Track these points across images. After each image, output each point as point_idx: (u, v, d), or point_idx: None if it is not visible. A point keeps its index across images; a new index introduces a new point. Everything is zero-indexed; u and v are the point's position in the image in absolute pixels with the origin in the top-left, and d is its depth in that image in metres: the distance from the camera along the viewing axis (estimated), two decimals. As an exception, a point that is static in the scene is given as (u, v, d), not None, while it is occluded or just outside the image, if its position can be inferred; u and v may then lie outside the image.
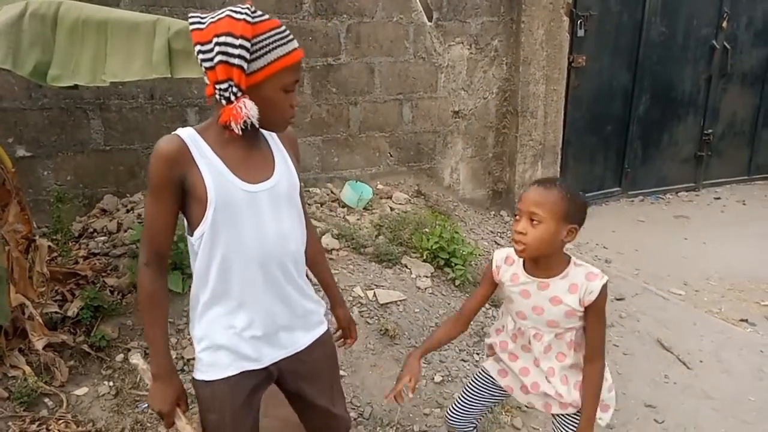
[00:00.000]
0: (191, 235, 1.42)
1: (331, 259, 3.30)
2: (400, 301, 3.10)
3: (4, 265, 2.37)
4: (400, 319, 3.00)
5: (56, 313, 2.75)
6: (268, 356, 1.52)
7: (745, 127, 6.36)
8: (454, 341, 2.96)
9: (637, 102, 5.67)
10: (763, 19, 6.02)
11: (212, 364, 1.48)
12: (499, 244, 4.34)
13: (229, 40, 1.28)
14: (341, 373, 2.65)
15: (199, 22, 1.33)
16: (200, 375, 1.50)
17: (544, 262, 1.68)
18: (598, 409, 1.77)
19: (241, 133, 1.33)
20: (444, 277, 3.44)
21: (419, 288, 3.27)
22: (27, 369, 2.49)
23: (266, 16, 1.36)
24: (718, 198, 6.02)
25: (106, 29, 1.76)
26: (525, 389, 1.86)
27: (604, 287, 1.65)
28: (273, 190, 1.45)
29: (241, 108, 1.30)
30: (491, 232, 4.56)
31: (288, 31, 1.39)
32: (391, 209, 4.19)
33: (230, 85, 1.30)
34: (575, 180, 5.35)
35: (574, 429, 1.79)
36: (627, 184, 5.93)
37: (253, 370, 1.50)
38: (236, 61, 1.28)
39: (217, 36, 1.29)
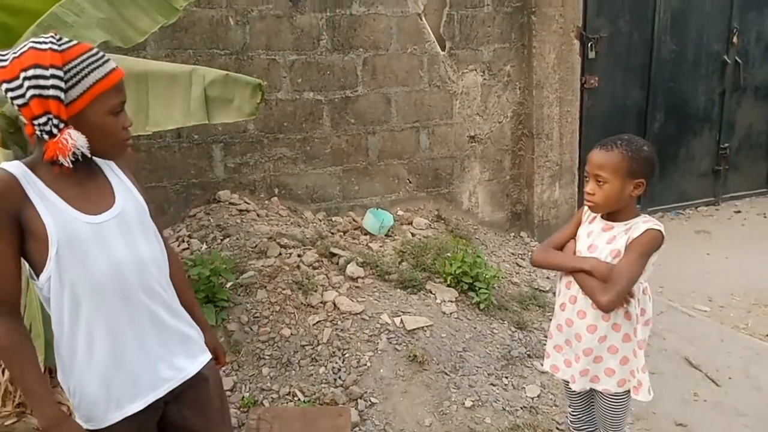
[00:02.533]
0: (37, 280, 1.32)
1: (357, 287, 3.37)
2: (426, 326, 3.15)
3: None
4: (427, 344, 3.04)
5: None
6: (150, 394, 1.44)
7: (762, 140, 6.37)
8: (481, 366, 3.01)
9: (652, 119, 5.72)
10: (773, 32, 6.07)
11: (90, 418, 1.39)
12: (520, 266, 4.37)
13: (38, 72, 1.22)
14: (373, 400, 2.70)
15: (2, 59, 1.26)
16: (82, 423, 1.40)
17: (615, 213, 1.84)
18: (632, 389, 1.85)
19: (71, 166, 1.27)
20: (468, 302, 3.49)
21: (444, 313, 3.32)
22: (71, 403, 2.57)
23: (74, 42, 1.31)
24: (738, 211, 6.00)
25: (147, 81, 1.88)
26: (569, 362, 1.93)
27: (651, 230, 1.75)
28: (120, 217, 1.38)
29: (66, 140, 1.24)
30: (512, 254, 4.60)
31: (102, 53, 1.33)
32: (413, 235, 4.26)
33: (49, 119, 1.24)
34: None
35: (615, 407, 1.89)
36: (646, 201, 5.93)
37: (138, 412, 1.42)
38: (51, 92, 1.23)
39: (24, 70, 1.23)
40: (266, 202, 4.15)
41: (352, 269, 3.47)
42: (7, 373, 2.59)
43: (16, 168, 1.29)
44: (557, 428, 2.68)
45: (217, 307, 3.00)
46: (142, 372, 1.42)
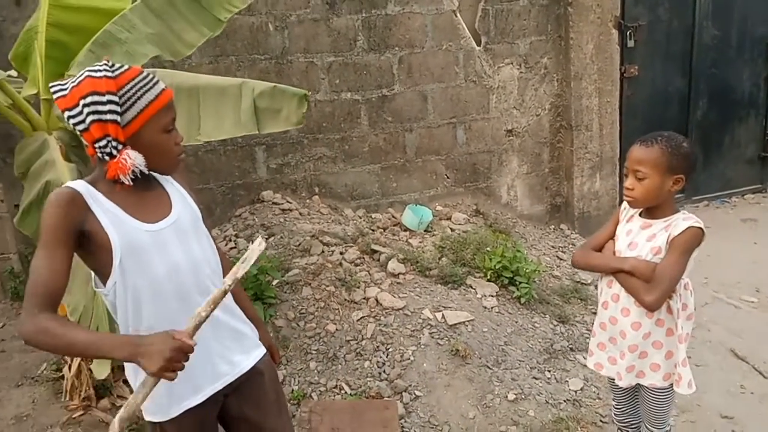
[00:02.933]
0: (103, 287, 1.42)
1: (398, 283, 3.45)
2: (468, 321, 3.20)
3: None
4: (469, 339, 3.10)
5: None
6: (208, 388, 1.53)
7: (811, 124, 6.15)
8: (524, 360, 3.05)
9: (695, 106, 5.60)
10: (822, 12, 5.85)
11: (155, 412, 1.50)
12: (561, 259, 4.38)
13: (96, 98, 1.32)
14: (417, 393, 2.78)
15: (62, 89, 1.36)
16: (146, 416, 1.52)
17: (654, 210, 1.87)
18: (675, 382, 1.87)
19: (131, 183, 1.38)
20: (509, 296, 3.53)
21: (485, 308, 3.37)
22: (131, 398, 2.73)
23: (126, 67, 1.39)
24: (787, 198, 5.84)
25: (198, 94, 1.99)
26: (614, 360, 1.97)
27: (692, 228, 1.78)
28: (176, 224, 1.47)
29: (126, 160, 1.35)
30: (552, 247, 4.60)
31: (151, 75, 1.41)
32: (452, 230, 4.31)
33: (108, 141, 1.34)
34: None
35: (660, 401, 1.93)
36: (690, 190, 5.82)
37: (198, 405, 1.51)
38: (108, 116, 1.32)
39: (83, 98, 1.32)
40: (307, 200, 4.26)
41: (393, 265, 3.55)
42: (73, 368, 2.78)
43: (80, 185, 1.39)
44: (601, 421, 2.71)
45: (265, 304, 3.12)
46: (200, 367, 1.50)
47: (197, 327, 1.33)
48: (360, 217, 4.33)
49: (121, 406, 2.79)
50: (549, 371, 3.01)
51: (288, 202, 4.15)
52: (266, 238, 3.70)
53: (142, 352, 1.25)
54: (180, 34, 2.66)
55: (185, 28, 2.67)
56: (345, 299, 3.28)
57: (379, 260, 3.65)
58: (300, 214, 4.05)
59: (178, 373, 1.36)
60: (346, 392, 2.80)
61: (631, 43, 5.10)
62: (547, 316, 3.46)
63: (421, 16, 4.37)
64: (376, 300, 3.28)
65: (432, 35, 4.43)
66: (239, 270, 1.38)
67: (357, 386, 2.83)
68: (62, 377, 2.86)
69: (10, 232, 3.65)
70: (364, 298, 3.29)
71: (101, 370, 2.26)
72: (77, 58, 2.53)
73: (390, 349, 3.00)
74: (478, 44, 4.58)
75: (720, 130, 5.80)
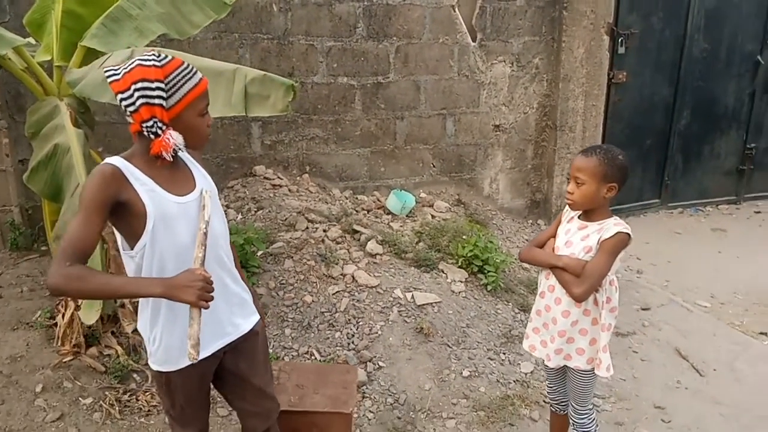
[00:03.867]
0: (130, 249, 1.61)
1: (375, 263, 3.69)
2: (435, 303, 3.45)
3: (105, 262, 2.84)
4: (434, 319, 3.35)
5: (141, 302, 3.23)
6: (214, 344, 1.75)
7: (791, 142, 6.38)
8: (482, 342, 3.31)
9: (679, 116, 5.81)
10: (811, 35, 6.04)
11: (165, 361, 1.71)
12: (533, 252, 4.61)
13: (146, 84, 1.51)
14: (380, 364, 3.04)
15: (115, 74, 1.54)
16: (155, 366, 1.74)
17: (591, 213, 2.10)
18: (596, 366, 2.12)
19: (172, 159, 1.58)
20: (477, 283, 3.77)
21: (453, 292, 3.62)
22: (119, 349, 2.97)
23: (170, 58, 1.59)
24: (759, 212, 6.09)
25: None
26: (545, 343, 2.22)
27: (620, 233, 2.02)
28: (199, 199, 1.67)
29: (169, 139, 1.54)
30: (527, 240, 4.84)
31: (192, 66, 1.61)
32: (433, 217, 4.54)
33: (155, 122, 1.53)
34: (612, 191, 5.55)
35: (583, 382, 2.18)
36: (667, 196, 6.07)
37: (202, 360, 1.66)
38: (156, 101, 1.52)
39: (134, 83, 1.51)
40: (298, 178, 4.48)
41: (371, 246, 3.78)
42: (66, 316, 3.00)
43: (119, 162, 1.58)
44: (544, 401, 2.97)
45: (249, 273, 3.36)
46: (210, 326, 1.69)
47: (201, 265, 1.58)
48: (346, 198, 4.55)
49: (108, 354, 3.02)
50: (504, 354, 3.27)
51: (279, 178, 4.36)
52: (255, 211, 3.92)
53: (175, 287, 1.49)
54: (187, 15, 2.85)
55: (193, 9, 2.86)
56: (323, 274, 3.52)
57: (359, 240, 3.88)
58: (289, 190, 4.26)
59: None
60: (316, 358, 3.05)
61: (622, 50, 5.29)
62: (510, 303, 3.71)
63: (421, 8, 4.55)
64: (353, 277, 3.52)
65: (430, 28, 4.61)
66: (205, 214, 1.63)
67: (326, 354, 3.08)
68: (55, 324, 3.08)
69: (13, 186, 3.84)
70: (342, 274, 3.53)
71: (89, 316, 2.47)
72: (90, 30, 2.73)
73: (360, 323, 3.25)
74: (474, 40, 4.76)
75: (701, 140, 6.03)
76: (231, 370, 1.86)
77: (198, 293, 1.50)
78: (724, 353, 3.52)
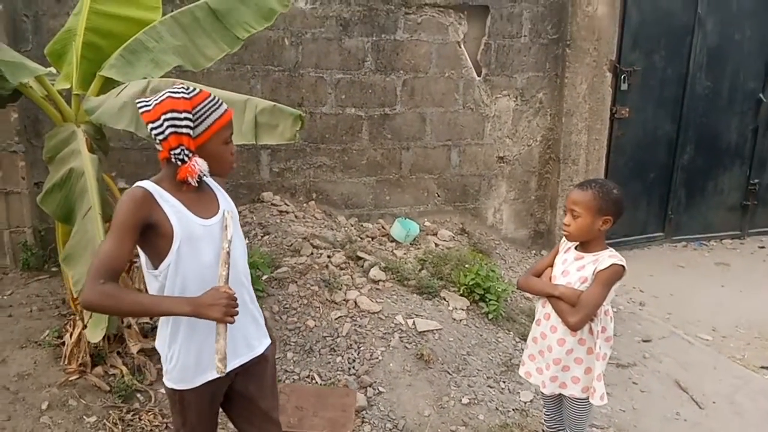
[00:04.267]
0: (155, 269, 1.67)
1: (377, 289, 3.74)
2: (436, 330, 3.49)
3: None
4: (435, 346, 3.39)
5: (147, 323, 3.30)
6: (231, 363, 1.76)
7: (794, 178, 6.43)
8: (482, 369, 3.34)
9: (682, 151, 5.89)
10: (812, 73, 6.15)
11: (180, 380, 1.76)
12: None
13: (175, 115, 1.61)
14: (380, 389, 3.07)
15: (147, 105, 1.65)
16: (170, 384, 1.79)
17: (587, 244, 2.17)
18: (590, 394, 2.15)
19: (196, 185, 1.68)
20: (478, 311, 3.82)
21: (455, 319, 3.66)
22: (124, 369, 3.03)
23: (198, 90, 1.70)
24: (763, 247, 6.11)
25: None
26: (540, 370, 2.26)
27: (615, 265, 2.08)
28: (222, 222, 1.75)
29: (195, 165, 1.64)
30: (526, 270, 4.87)
31: (218, 98, 1.72)
32: (436, 245, 4.60)
33: (182, 149, 1.63)
34: (617, 224, 5.59)
35: (578, 410, 2.21)
36: (671, 230, 6.11)
37: (216, 378, 1.74)
38: (184, 130, 1.62)
39: (164, 114, 1.61)
40: (304, 205, 4.58)
41: (375, 273, 3.84)
42: (74, 336, 3.07)
43: (149, 185, 1.67)
44: (543, 430, 2.98)
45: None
46: (228, 344, 1.70)
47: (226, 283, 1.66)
48: (351, 225, 4.63)
49: (113, 374, 3.08)
50: (504, 382, 3.29)
51: (286, 204, 4.46)
52: (261, 236, 4.01)
53: (203, 305, 1.58)
54: (202, 48, 2.99)
55: (207, 43, 3.00)
56: (327, 299, 3.58)
57: (362, 266, 3.94)
58: (295, 216, 4.35)
59: (208, 349, 1.67)
60: (317, 382, 3.09)
61: (624, 87, 5.41)
62: (511, 332, 3.74)
63: (427, 44, 4.69)
64: (355, 302, 3.57)
65: (436, 62, 4.75)
66: (228, 234, 1.71)
67: (327, 378, 3.12)
68: (63, 343, 3.15)
69: (28, 208, 3.96)
70: (344, 300, 3.59)
71: (95, 335, 2.53)
72: (109, 60, 2.86)
73: (362, 348, 3.29)
74: (479, 75, 4.89)
75: (705, 175, 6.09)
76: (240, 392, 1.91)
77: (224, 310, 1.58)
78: (724, 386, 3.53)
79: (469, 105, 4.93)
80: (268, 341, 1.96)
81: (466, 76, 4.85)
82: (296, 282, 3.63)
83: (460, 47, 4.79)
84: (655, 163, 5.85)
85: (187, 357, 1.75)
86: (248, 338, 1.86)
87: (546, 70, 5.09)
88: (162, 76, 2.83)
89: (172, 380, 1.79)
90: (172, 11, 3.17)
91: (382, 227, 4.70)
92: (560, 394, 2.26)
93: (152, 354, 3.13)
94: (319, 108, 4.52)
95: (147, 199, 1.64)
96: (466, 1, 4.71)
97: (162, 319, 1.78)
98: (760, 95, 6.02)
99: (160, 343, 1.82)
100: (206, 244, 1.71)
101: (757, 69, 5.96)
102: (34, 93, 2.87)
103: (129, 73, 2.82)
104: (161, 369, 3.09)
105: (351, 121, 4.63)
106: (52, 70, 3.01)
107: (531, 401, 3.20)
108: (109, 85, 2.89)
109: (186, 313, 1.60)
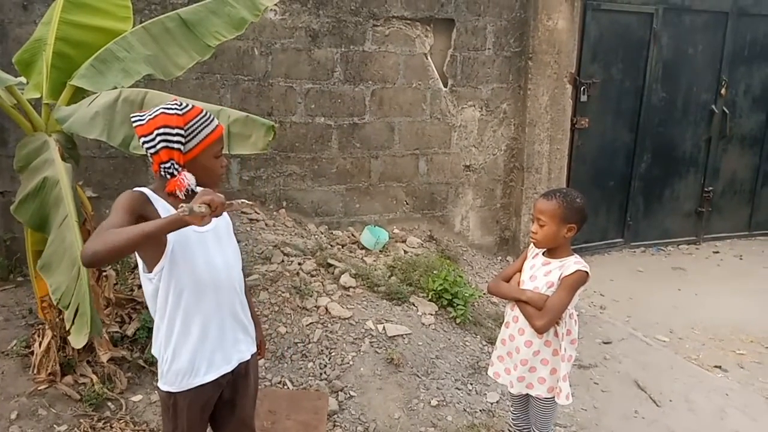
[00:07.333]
0: (149, 272, 1.73)
1: (348, 295, 3.81)
2: (406, 334, 3.57)
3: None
4: (405, 350, 3.47)
5: (117, 332, 3.29)
6: (222, 370, 1.85)
7: (745, 186, 6.74)
8: (450, 372, 3.43)
9: (639, 160, 6.12)
10: (760, 86, 6.47)
11: (174, 383, 1.81)
12: (501, 288, 4.78)
13: (167, 130, 1.67)
14: (351, 393, 3.13)
15: (140, 119, 1.71)
16: (164, 387, 1.83)
17: (554, 251, 2.28)
18: (556, 394, 2.25)
19: (184, 198, 1.69)
20: (446, 316, 3.91)
21: (423, 324, 3.75)
22: (94, 377, 3.02)
23: (191, 106, 1.76)
24: (717, 252, 6.37)
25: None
26: (508, 371, 2.36)
27: (579, 271, 2.20)
28: (216, 230, 1.82)
29: (183, 179, 1.70)
30: (496, 275, 5.01)
31: (210, 114, 1.79)
32: (405, 252, 4.69)
33: (172, 164, 1.69)
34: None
35: (544, 409, 2.32)
36: (629, 236, 6.33)
37: (209, 383, 1.82)
38: (176, 145, 1.68)
39: (157, 129, 1.67)
40: (275, 213, 4.62)
41: (345, 279, 3.91)
42: (43, 345, 3.06)
43: (145, 190, 1.75)
44: (509, 429, 3.08)
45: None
46: (218, 351, 1.84)
47: None
48: (321, 233, 4.69)
49: (83, 383, 3.07)
50: (471, 384, 3.39)
51: (256, 212, 4.49)
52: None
53: (191, 204, 1.46)
54: (172, 57, 3.02)
55: (178, 51, 3.03)
56: (298, 306, 3.63)
57: (333, 273, 4.01)
58: (266, 224, 4.39)
59: (202, 353, 1.77)
60: (288, 388, 3.13)
61: (584, 98, 5.61)
62: (478, 336, 3.85)
63: (395, 56, 4.80)
64: (326, 309, 3.63)
65: (403, 73, 4.86)
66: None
67: (299, 383, 3.17)
68: (31, 353, 3.12)
69: (-6, 216, 3.91)
70: (315, 306, 3.65)
71: (78, 340, 2.52)
72: (79, 70, 2.88)
73: (333, 354, 3.35)
74: (445, 86, 5.02)
75: (661, 183, 6.34)
76: (227, 400, 1.96)
77: (210, 197, 1.49)
78: (680, 385, 3.69)
79: (436, 115, 5.05)
80: (254, 349, 2.01)
81: (433, 86, 4.98)
82: (267, 289, 3.67)
83: (427, 59, 4.91)
84: (614, 171, 6.07)
85: (180, 360, 1.79)
86: (238, 345, 1.92)
87: (509, 81, 5.25)
88: (131, 86, 2.86)
89: (167, 383, 1.83)
90: (142, 21, 3.20)
91: (352, 235, 4.76)
92: (527, 394, 2.36)
93: (122, 363, 3.14)
94: (288, 117, 4.58)
95: (143, 197, 1.71)
96: (432, 14, 4.84)
97: (156, 323, 1.83)
98: (713, 107, 6.30)
99: (156, 347, 1.86)
100: (199, 251, 1.76)
101: (709, 82, 6.25)
102: (3, 102, 2.86)
103: (100, 82, 2.84)
104: (131, 378, 3.13)
105: (321, 130, 4.70)
106: (22, 79, 3.00)
107: (497, 402, 3.30)
108: (79, 94, 2.90)
109: (179, 220, 1.48)
